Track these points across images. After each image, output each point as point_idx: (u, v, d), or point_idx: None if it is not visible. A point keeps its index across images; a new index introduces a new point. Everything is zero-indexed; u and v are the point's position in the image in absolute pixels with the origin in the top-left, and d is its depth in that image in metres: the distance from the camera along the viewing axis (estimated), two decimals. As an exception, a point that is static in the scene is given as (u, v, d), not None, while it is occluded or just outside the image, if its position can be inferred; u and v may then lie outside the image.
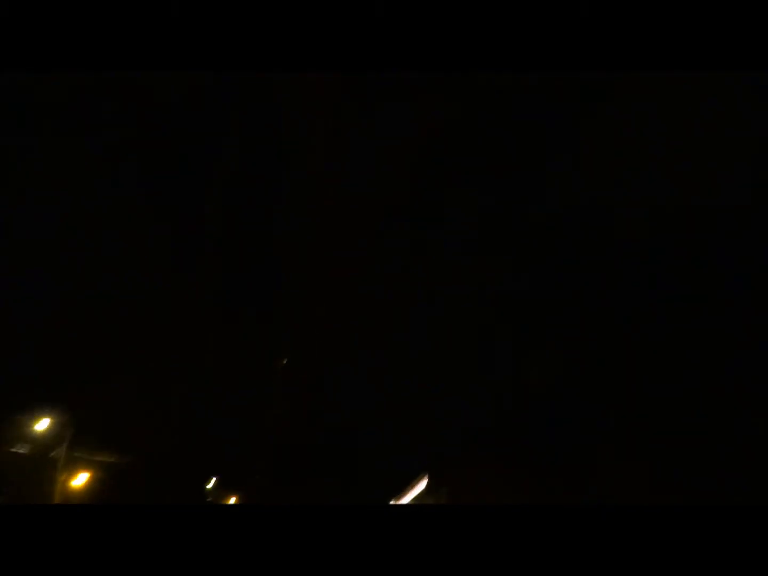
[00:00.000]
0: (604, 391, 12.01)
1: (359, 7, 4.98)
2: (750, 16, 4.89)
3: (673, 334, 11.80)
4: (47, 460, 24.28)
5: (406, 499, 15.97)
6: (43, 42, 5.00)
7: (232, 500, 37.93)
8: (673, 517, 4.24)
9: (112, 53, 5.23)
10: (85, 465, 25.76)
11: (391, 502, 18.49)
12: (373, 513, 4.68)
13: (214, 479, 34.96)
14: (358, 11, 4.98)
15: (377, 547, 4.01)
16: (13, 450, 23.77)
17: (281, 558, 3.95)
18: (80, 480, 25.77)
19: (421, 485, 13.67)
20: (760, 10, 4.82)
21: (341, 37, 5.18)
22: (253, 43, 5.24)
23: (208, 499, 34.79)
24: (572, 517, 4.42)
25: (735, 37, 5.05)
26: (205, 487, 34.96)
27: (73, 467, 25.15)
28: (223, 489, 36.07)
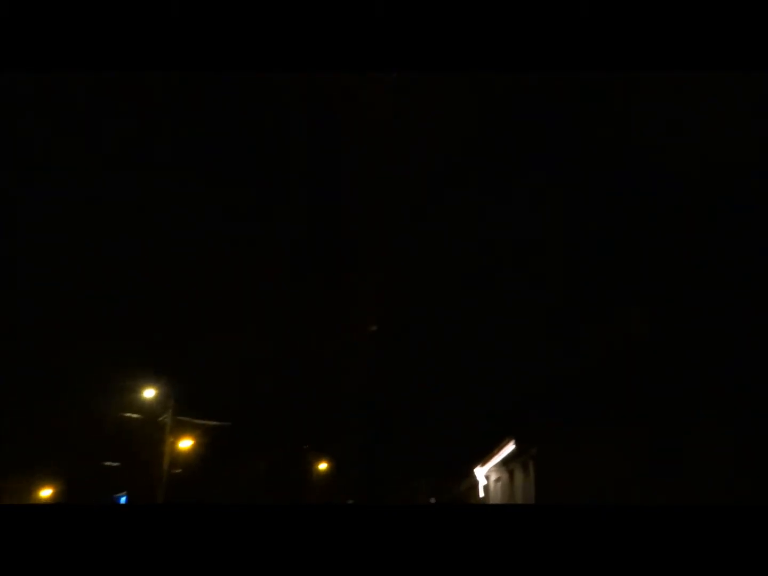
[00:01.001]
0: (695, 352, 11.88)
1: (359, 6, 4.95)
2: (750, 16, 4.70)
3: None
4: (156, 424, 26.47)
5: (493, 462, 16.46)
6: (46, 42, 4.92)
7: (323, 465, 39.53)
8: (673, 517, 4.21)
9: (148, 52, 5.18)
10: (190, 428, 27.87)
11: (477, 468, 19.04)
12: (373, 513, 4.64)
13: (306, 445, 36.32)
14: (358, 11, 4.95)
15: (377, 547, 4.02)
16: (128, 415, 26.09)
17: (281, 558, 3.98)
18: (185, 442, 27.94)
19: (509, 447, 14.02)
20: (760, 10, 4.63)
21: (341, 37, 5.13)
22: (253, 43, 5.18)
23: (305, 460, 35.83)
24: (573, 517, 4.39)
25: (735, 37, 4.85)
26: (298, 450, 36.55)
27: (178, 430, 27.25)
28: (314, 452, 37.74)
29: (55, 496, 36.29)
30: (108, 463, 30.90)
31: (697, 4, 4.89)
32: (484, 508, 15.80)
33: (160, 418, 26.40)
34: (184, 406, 27.85)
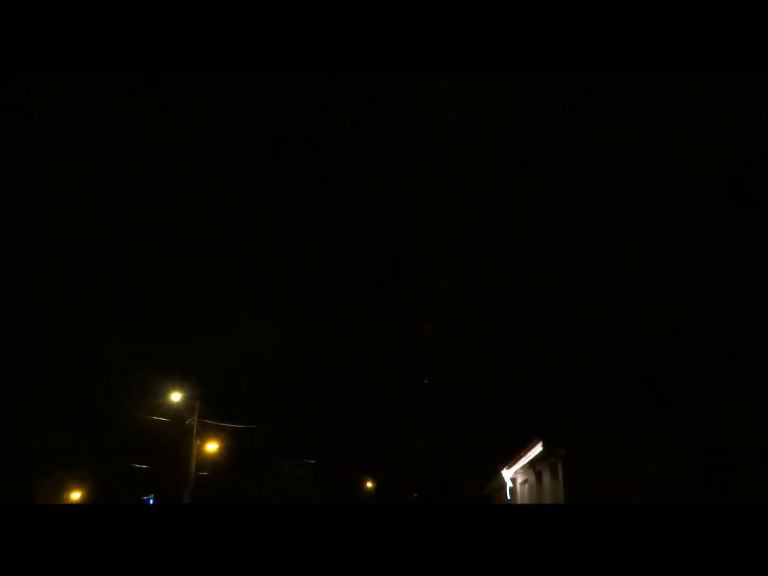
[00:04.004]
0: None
1: (359, 6, 4.96)
2: (750, 16, 4.67)
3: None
4: (184, 426, 26.87)
5: (520, 464, 16.43)
6: (50, 42, 4.93)
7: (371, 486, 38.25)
8: (673, 517, 4.19)
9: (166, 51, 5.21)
10: (215, 430, 28.25)
11: (504, 470, 19.00)
12: (373, 513, 4.67)
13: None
14: (358, 11, 4.96)
15: (377, 547, 4.03)
16: (156, 418, 26.52)
17: (281, 558, 3.99)
18: (212, 445, 28.29)
19: (536, 449, 14.00)
20: (760, 10, 4.60)
21: (341, 37, 5.14)
22: (254, 43, 5.21)
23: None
24: (573, 517, 4.40)
25: (735, 37, 4.82)
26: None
27: (205, 432, 27.63)
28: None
29: (84, 497, 36.92)
30: (136, 465, 31.40)
31: (697, 4, 4.92)
32: (486, 508, 15.75)
33: (188, 421, 26.80)
34: (219, 409, 28.28)
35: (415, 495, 30.81)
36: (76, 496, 36.82)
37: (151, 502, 31.07)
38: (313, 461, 35.01)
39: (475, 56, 5.40)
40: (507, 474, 18.69)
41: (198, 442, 26.64)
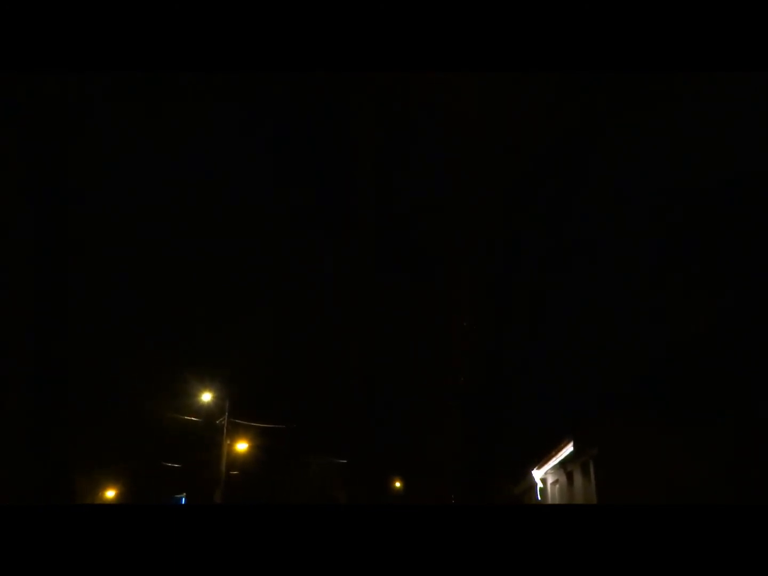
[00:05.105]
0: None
1: (360, 6, 4.95)
2: (750, 16, 4.56)
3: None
4: (214, 426, 27.22)
5: (551, 464, 16.24)
6: (55, 42, 4.97)
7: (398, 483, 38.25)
8: (673, 517, 4.14)
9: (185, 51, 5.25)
10: (244, 430, 28.55)
11: (534, 470, 18.80)
12: (373, 513, 4.64)
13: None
14: (359, 11, 4.95)
15: (378, 546, 4.02)
16: (187, 417, 26.93)
17: (282, 557, 4.00)
18: (242, 445, 28.61)
19: (567, 449, 13.82)
20: (760, 10, 4.49)
21: (342, 37, 5.14)
22: (254, 43, 5.21)
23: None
24: (573, 517, 4.38)
25: (735, 37, 4.71)
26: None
27: (235, 432, 27.94)
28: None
29: (118, 496, 37.70)
30: (169, 464, 31.93)
31: (697, 4, 4.83)
32: (486, 508, 15.59)
33: (218, 421, 27.13)
34: (250, 408, 28.60)
35: (452, 497, 30.56)
36: (110, 494, 37.65)
37: (183, 501, 31.56)
38: (343, 461, 35.14)
39: (475, 56, 5.41)
40: (537, 474, 18.49)
41: (228, 442, 26.94)
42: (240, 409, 28.25)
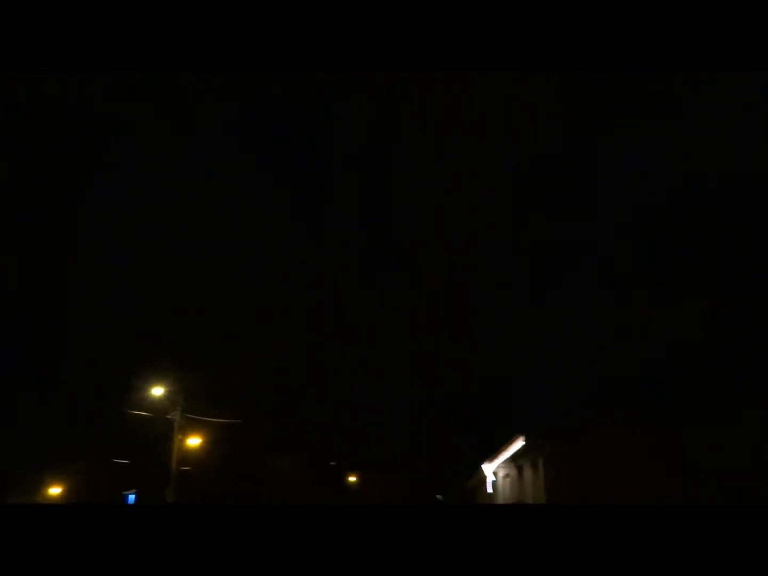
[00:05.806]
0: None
1: (359, 6, 4.98)
2: (750, 16, 4.73)
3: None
4: (166, 421, 26.61)
5: (502, 458, 16.57)
6: (60, 42, 4.97)
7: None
8: (679, 517, 4.24)
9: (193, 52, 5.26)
10: (198, 425, 28.01)
11: (485, 464, 19.12)
12: (373, 513, 4.71)
13: None
14: (358, 11, 4.98)
15: (377, 547, 4.07)
16: (137, 412, 26.27)
17: (281, 557, 4.04)
18: (194, 440, 28.10)
19: (518, 444, 14.11)
20: (760, 10, 4.66)
21: (342, 37, 5.17)
22: (255, 43, 5.23)
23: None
24: (573, 517, 4.44)
25: (735, 37, 4.88)
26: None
27: (187, 427, 27.39)
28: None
29: (64, 493, 36.56)
30: (118, 461, 31.13)
31: (697, 4, 4.96)
32: (486, 508, 15.91)
33: (169, 416, 26.55)
34: (211, 405, 28.09)
35: (439, 497, 30.67)
36: (55, 491, 36.46)
37: (133, 497, 30.89)
38: (298, 457, 35.00)
39: (475, 56, 5.43)
40: (488, 468, 18.84)
41: (180, 437, 26.42)
42: (202, 406, 27.78)
